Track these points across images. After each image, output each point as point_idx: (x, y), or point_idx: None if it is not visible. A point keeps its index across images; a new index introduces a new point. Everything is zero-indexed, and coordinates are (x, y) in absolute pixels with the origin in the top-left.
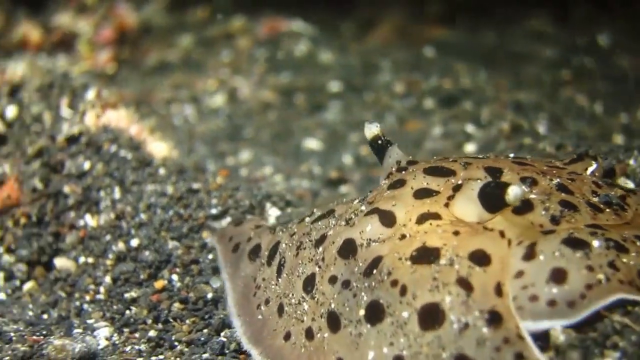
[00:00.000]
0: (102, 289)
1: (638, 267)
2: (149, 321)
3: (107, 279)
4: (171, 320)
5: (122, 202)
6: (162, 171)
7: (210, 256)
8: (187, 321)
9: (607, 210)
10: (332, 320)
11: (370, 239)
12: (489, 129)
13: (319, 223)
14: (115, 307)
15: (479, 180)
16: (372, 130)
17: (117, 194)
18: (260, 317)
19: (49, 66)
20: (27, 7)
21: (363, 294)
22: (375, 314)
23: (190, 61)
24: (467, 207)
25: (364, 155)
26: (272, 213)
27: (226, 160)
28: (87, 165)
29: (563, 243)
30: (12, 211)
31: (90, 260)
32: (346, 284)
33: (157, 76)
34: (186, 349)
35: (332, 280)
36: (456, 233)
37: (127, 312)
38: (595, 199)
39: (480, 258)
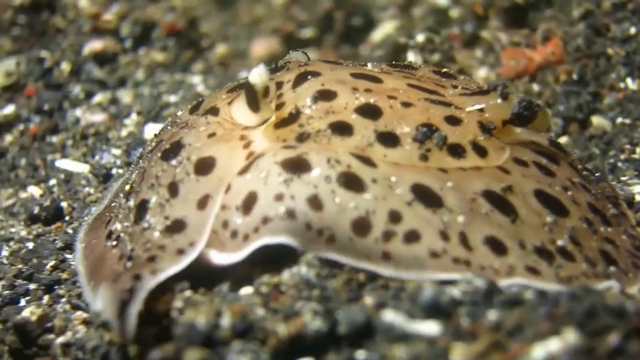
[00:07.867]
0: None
1: (355, 210)
2: None
3: None
4: None
5: None
6: None
7: None
8: None
9: (408, 147)
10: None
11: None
12: None
13: None
14: None
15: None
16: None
17: None
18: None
19: None
20: None
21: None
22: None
23: None
24: (239, 108)
25: None
26: None
27: None
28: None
29: (279, 163)
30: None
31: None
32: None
33: None
34: None
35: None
36: (211, 135)
37: None
38: (413, 132)
39: (206, 166)
